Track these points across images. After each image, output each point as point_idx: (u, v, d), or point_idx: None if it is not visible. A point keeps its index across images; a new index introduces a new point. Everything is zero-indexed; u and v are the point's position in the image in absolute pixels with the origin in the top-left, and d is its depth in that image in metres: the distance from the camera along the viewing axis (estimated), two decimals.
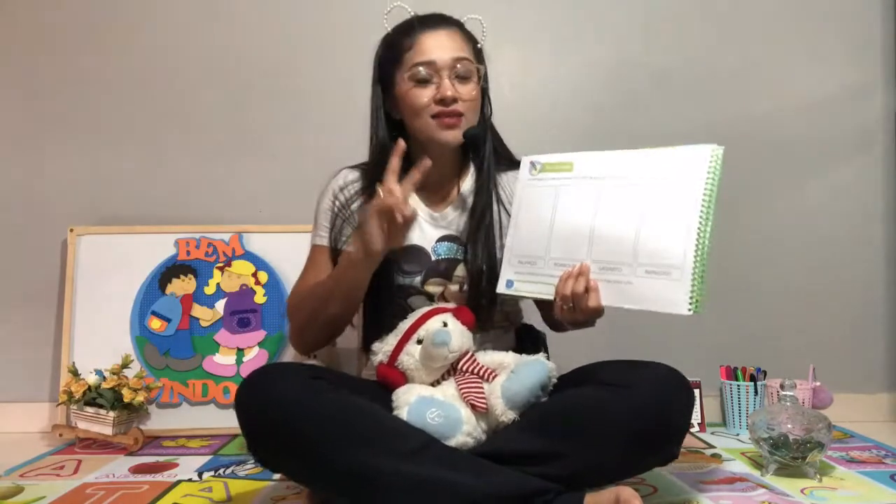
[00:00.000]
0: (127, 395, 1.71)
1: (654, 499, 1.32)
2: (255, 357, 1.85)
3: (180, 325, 1.86)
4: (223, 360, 1.85)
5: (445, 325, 1.24)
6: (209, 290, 1.88)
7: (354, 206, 1.38)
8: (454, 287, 1.35)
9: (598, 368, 1.23)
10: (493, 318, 1.37)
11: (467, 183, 1.41)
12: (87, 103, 1.98)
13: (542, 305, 1.47)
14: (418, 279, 1.35)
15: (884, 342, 2.00)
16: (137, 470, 1.54)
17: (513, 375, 1.19)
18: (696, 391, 1.82)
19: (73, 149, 1.98)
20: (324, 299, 1.30)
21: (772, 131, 2.00)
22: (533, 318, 1.53)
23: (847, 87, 2.01)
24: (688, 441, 1.73)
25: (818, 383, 1.78)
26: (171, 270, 1.89)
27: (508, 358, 1.25)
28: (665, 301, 1.12)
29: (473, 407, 1.18)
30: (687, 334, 1.85)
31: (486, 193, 1.38)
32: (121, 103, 1.98)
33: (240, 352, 1.86)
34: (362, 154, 1.46)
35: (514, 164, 1.41)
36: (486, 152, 1.39)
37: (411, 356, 1.23)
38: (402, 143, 1.24)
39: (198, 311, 1.87)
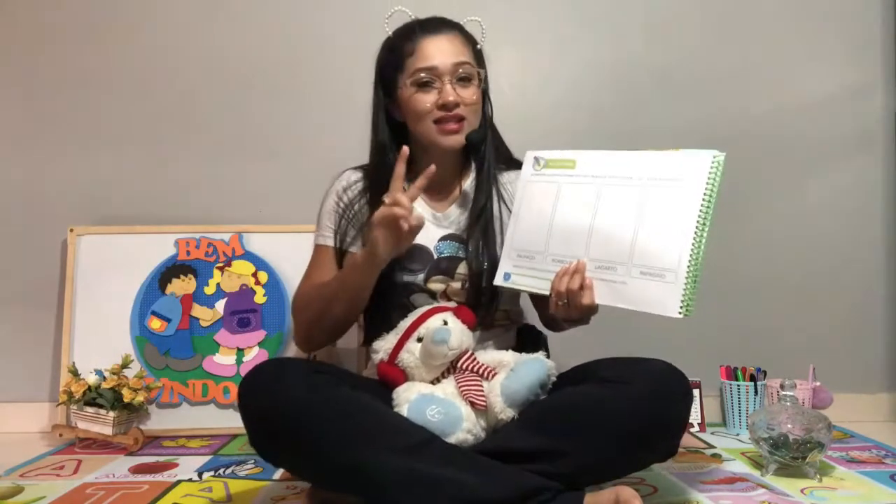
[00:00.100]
0: (127, 395, 1.71)
1: (654, 499, 1.32)
2: (255, 357, 1.85)
3: (180, 325, 1.86)
4: (223, 360, 1.85)
5: (446, 323, 1.24)
6: (209, 290, 1.88)
7: (358, 206, 1.40)
8: (456, 284, 1.36)
9: (596, 366, 1.24)
10: (494, 316, 1.38)
11: (469, 182, 1.43)
12: (87, 103, 1.98)
13: (538, 304, 1.49)
14: (421, 277, 1.36)
15: (884, 342, 2.00)
16: (137, 470, 1.54)
17: (512, 374, 1.19)
18: (696, 391, 1.82)
19: (73, 149, 1.98)
20: (329, 301, 1.31)
21: (772, 131, 2.00)
22: (533, 318, 1.53)
23: (847, 87, 2.01)
24: (688, 441, 1.73)
25: (818, 383, 1.78)
26: (171, 270, 1.89)
27: (508, 356, 1.25)
28: (657, 303, 1.14)
29: (473, 404, 1.18)
30: (687, 334, 1.85)
31: (487, 192, 1.40)
32: (121, 103, 1.98)
33: (240, 352, 1.86)
34: (362, 154, 1.47)
35: (514, 164, 1.45)
36: (487, 153, 1.41)
37: (411, 354, 1.24)
38: (406, 150, 1.25)
39: (198, 311, 1.87)
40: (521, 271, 1.29)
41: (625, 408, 1.12)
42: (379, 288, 1.31)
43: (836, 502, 1.31)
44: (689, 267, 1.12)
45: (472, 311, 1.29)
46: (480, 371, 1.22)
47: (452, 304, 1.32)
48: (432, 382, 1.24)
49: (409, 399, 1.18)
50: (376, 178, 1.40)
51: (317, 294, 1.35)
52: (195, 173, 1.98)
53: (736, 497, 1.33)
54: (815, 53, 2.01)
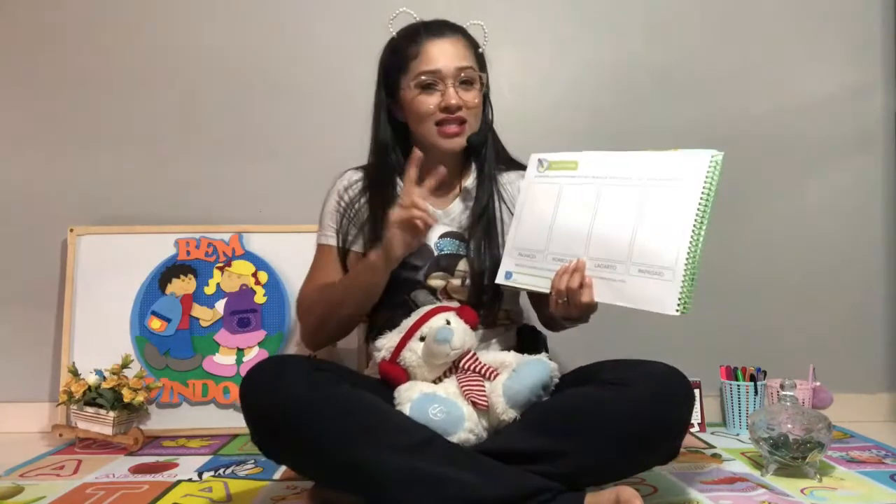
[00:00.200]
0: (127, 395, 1.71)
1: (655, 499, 1.32)
2: (255, 357, 1.85)
3: (180, 325, 1.86)
4: (223, 360, 1.85)
5: (448, 323, 1.25)
6: (209, 290, 1.88)
7: (358, 206, 1.42)
8: (456, 281, 1.37)
9: (598, 368, 1.25)
10: (496, 314, 1.40)
11: (469, 181, 1.45)
12: (87, 103, 1.98)
13: (538, 305, 1.50)
14: (421, 273, 1.37)
15: (884, 342, 2.00)
16: (137, 470, 1.54)
17: (514, 374, 1.19)
18: (696, 391, 1.82)
19: (73, 149, 1.98)
20: (339, 301, 1.33)
21: (772, 131, 2.00)
22: (533, 319, 1.53)
23: (847, 87, 2.01)
24: (688, 441, 1.73)
25: (818, 383, 1.78)
26: (171, 270, 1.89)
27: (510, 357, 1.26)
28: (655, 301, 1.15)
29: (475, 404, 1.18)
30: (687, 334, 1.85)
31: (487, 191, 1.42)
32: (121, 103, 1.98)
33: (240, 352, 1.86)
34: (362, 154, 1.48)
35: (513, 165, 1.48)
36: (488, 154, 1.43)
37: (414, 353, 1.25)
38: (419, 153, 1.25)
39: (198, 311, 1.87)
40: (522, 270, 1.31)
41: (626, 410, 1.13)
42: None
43: (836, 502, 1.31)
44: (686, 265, 1.13)
45: (475, 310, 1.30)
46: (482, 371, 1.23)
47: (455, 304, 1.32)
48: (434, 382, 1.25)
49: (412, 398, 1.18)
50: (377, 178, 1.42)
51: (324, 295, 1.36)
52: (195, 173, 1.98)
53: (736, 497, 1.33)
54: (815, 53, 2.01)
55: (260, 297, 1.88)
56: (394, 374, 1.26)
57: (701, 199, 1.15)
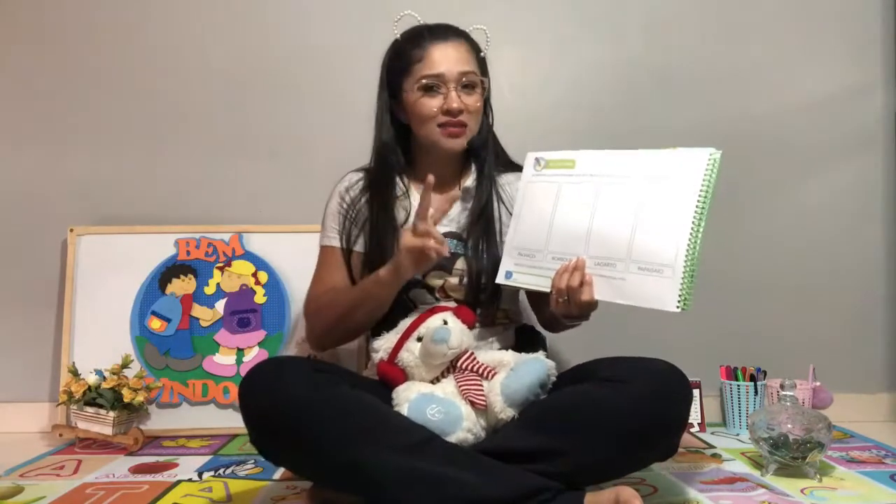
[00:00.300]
0: (127, 395, 1.71)
1: (654, 499, 1.32)
2: (255, 357, 1.85)
3: (180, 325, 1.86)
4: (223, 360, 1.85)
5: (445, 322, 1.25)
6: (209, 290, 1.88)
7: (359, 206, 1.43)
8: (454, 280, 1.38)
9: (596, 365, 1.25)
10: (494, 313, 1.40)
11: (469, 181, 1.45)
12: (87, 103, 1.98)
13: (537, 305, 1.51)
14: (419, 273, 1.36)
15: (884, 342, 2.00)
16: (137, 470, 1.54)
17: (512, 373, 1.20)
18: (696, 391, 1.82)
19: (73, 149, 1.98)
20: (348, 312, 1.34)
21: (772, 131, 2.00)
22: (531, 319, 1.53)
23: (847, 87, 2.01)
24: (688, 441, 1.73)
25: (818, 383, 1.78)
26: (171, 270, 1.89)
27: (508, 356, 1.26)
28: (655, 298, 1.15)
29: (473, 404, 1.19)
30: (687, 334, 1.85)
31: (486, 192, 1.43)
32: (121, 103, 1.98)
33: (240, 352, 1.86)
34: (361, 154, 1.48)
35: (512, 167, 1.49)
36: (488, 155, 1.45)
37: (411, 353, 1.25)
38: (431, 178, 1.25)
39: (198, 311, 1.87)
40: (522, 269, 1.31)
41: (625, 407, 1.13)
42: None
43: (836, 502, 1.31)
44: (685, 262, 1.14)
45: (473, 310, 1.31)
46: (480, 371, 1.23)
47: (452, 304, 1.33)
48: (432, 382, 1.25)
49: (409, 398, 1.18)
50: (378, 177, 1.43)
51: (334, 301, 1.37)
52: (195, 173, 1.98)
53: (736, 497, 1.33)
54: (815, 53, 2.01)
55: (260, 297, 1.88)
56: (392, 375, 1.26)
57: (699, 196, 1.16)
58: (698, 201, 1.15)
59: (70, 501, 1.34)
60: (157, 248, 1.90)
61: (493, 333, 1.40)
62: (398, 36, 1.41)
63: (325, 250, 1.45)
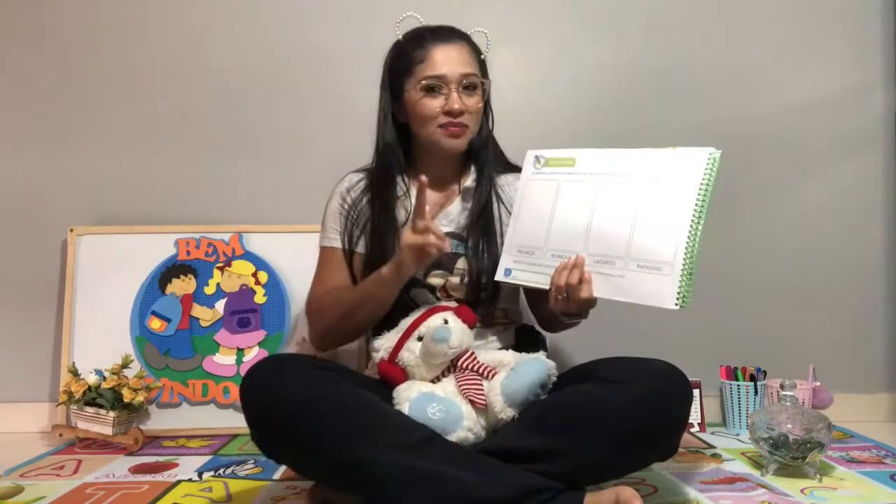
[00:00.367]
0: (127, 395, 1.71)
1: (654, 499, 1.32)
2: (255, 357, 1.85)
3: (180, 325, 1.86)
4: (223, 360, 1.85)
5: (446, 322, 1.25)
6: (209, 290, 1.88)
7: (360, 207, 1.43)
8: (455, 279, 1.38)
9: (596, 366, 1.25)
10: (494, 313, 1.41)
11: (469, 181, 1.46)
12: (87, 103, 1.98)
13: (535, 304, 1.51)
14: (420, 272, 1.37)
15: (884, 342, 2.00)
16: (137, 470, 1.54)
17: (512, 373, 1.20)
18: (696, 391, 1.82)
19: (73, 149, 1.98)
20: (350, 312, 1.35)
21: (772, 131, 2.00)
22: (531, 319, 1.53)
23: (847, 87, 2.01)
24: (688, 441, 1.73)
25: (818, 383, 1.78)
26: (171, 270, 1.89)
27: (508, 356, 1.26)
28: (654, 296, 1.16)
29: (473, 403, 1.19)
30: (687, 334, 1.85)
31: (486, 192, 1.43)
32: (121, 103, 1.98)
33: (240, 352, 1.86)
34: (361, 154, 1.48)
35: (511, 168, 1.49)
36: (487, 156, 1.45)
37: (412, 353, 1.25)
38: (424, 179, 1.25)
39: (198, 311, 1.87)
40: (521, 267, 1.31)
41: (625, 407, 1.13)
42: None
43: (836, 502, 1.31)
44: (684, 260, 1.14)
45: (473, 309, 1.31)
46: (480, 370, 1.23)
47: (453, 304, 1.33)
48: (432, 381, 1.25)
49: (410, 397, 1.18)
50: (379, 178, 1.44)
51: (336, 301, 1.37)
52: (195, 173, 1.98)
53: (736, 497, 1.33)
54: (815, 53, 2.01)
55: (260, 297, 1.88)
56: (392, 374, 1.26)
57: (699, 195, 1.16)
58: (697, 200, 1.16)
59: (70, 501, 1.34)
60: (157, 248, 1.90)
61: (494, 333, 1.41)
62: (400, 37, 1.41)
63: (325, 251, 1.45)
